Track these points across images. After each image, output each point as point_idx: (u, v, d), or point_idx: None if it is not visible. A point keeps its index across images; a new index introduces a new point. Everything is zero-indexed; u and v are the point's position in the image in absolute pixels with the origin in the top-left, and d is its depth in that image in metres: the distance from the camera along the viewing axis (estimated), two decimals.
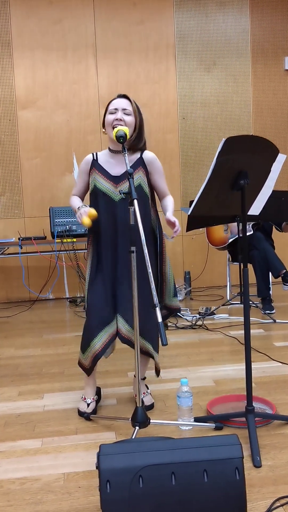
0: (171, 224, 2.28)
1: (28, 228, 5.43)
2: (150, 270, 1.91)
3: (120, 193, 2.12)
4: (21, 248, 4.88)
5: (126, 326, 2.31)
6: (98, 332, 2.32)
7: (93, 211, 2.29)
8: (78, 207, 2.36)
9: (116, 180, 2.35)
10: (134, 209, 2.00)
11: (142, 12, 5.48)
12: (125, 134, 2.22)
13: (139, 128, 2.38)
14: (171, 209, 2.40)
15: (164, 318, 2.49)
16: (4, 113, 5.36)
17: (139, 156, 2.40)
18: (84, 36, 5.42)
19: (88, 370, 2.41)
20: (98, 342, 2.32)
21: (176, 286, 5.08)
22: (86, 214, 2.28)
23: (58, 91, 5.44)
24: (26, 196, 5.45)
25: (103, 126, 2.40)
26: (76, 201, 2.48)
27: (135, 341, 2.09)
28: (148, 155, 2.41)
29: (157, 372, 2.45)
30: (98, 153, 2.44)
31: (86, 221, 2.27)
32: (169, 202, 2.44)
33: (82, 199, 2.53)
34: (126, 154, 2.16)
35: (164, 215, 2.36)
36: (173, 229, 2.27)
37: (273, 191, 2.27)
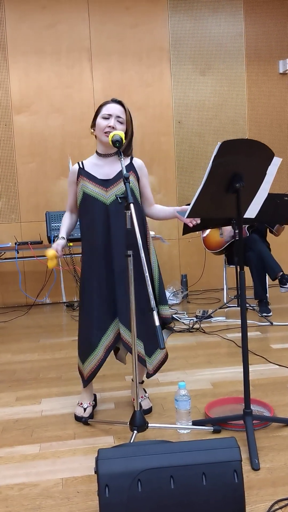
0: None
1: (24, 232, 5.43)
2: (147, 274, 1.91)
3: (116, 197, 2.12)
4: (18, 252, 4.87)
5: (128, 332, 2.31)
6: (92, 352, 2.32)
7: (50, 253, 2.33)
8: (57, 238, 2.43)
9: (105, 184, 2.34)
10: (131, 213, 2.00)
11: (136, 15, 5.50)
12: (121, 139, 2.22)
13: (130, 137, 2.38)
14: (170, 207, 2.45)
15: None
16: (0, 117, 5.37)
17: (129, 161, 2.39)
18: (78, 40, 5.43)
19: (85, 382, 2.41)
20: (92, 361, 2.33)
21: (174, 289, 5.07)
22: (47, 254, 2.35)
23: (52, 95, 5.44)
24: (22, 201, 5.44)
25: (93, 127, 2.39)
26: (63, 225, 2.50)
27: (132, 345, 2.08)
28: (138, 161, 2.42)
29: (148, 375, 2.44)
30: (84, 161, 2.42)
31: (49, 263, 2.34)
32: (163, 206, 2.48)
33: (76, 212, 2.50)
34: (122, 159, 2.15)
35: (174, 214, 2.41)
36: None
37: (269, 194, 2.28)
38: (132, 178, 2.34)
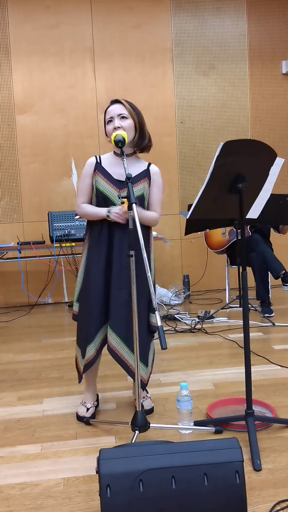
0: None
1: (26, 232, 5.43)
2: (149, 275, 1.91)
3: (119, 197, 2.12)
4: (20, 252, 4.88)
5: (115, 338, 2.30)
6: (92, 339, 2.33)
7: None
8: (108, 210, 2.27)
9: (119, 184, 2.33)
10: (133, 213, 2.00)
11: (139, 16, 5.50)
12: (123, 139, 2.22)
13: (139, 127, 2.36)
14: (143, 211, 2.33)
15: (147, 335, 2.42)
16: (3, 117, 5.37)
17: (146, 167, 2.39)
18: (81, 40, 5.44)
19: (80, 376, 2.43)
20: (92, 349, 2.33)
21: (176, 289, 5.07)
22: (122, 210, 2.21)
23: (55, 95, 5.45)
24: (24, 201, 5.45)
25: (106, 135, 2.40)
26: (94, 207, 2.35)
27: (134, 346, 2.08)
28: (154, 168, 2.41)
29: (142, 385, 2.37)
30: (102, 156, 2.41)
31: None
32: (148, 212, 2.39)
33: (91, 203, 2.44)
34: (124, 159, 2.15)
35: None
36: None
37: (271, 194, 2.27)
38: (144, 184, 2.35)
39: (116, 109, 2.33)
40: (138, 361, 2.09)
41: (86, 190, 2.39)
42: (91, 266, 2.37)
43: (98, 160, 2.38)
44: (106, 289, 2.34)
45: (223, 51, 5.69)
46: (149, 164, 2.42)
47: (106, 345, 2.35)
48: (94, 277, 2.35)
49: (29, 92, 5.40)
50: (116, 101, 2.36)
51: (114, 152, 2.41)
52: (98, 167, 2.36)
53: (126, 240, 2.21)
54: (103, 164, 2.37)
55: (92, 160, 2.39)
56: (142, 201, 2.35)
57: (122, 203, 2.02)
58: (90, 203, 2.40)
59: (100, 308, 2.33)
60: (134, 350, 2.07)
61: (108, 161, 2.39)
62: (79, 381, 2.48)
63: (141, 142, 2.38)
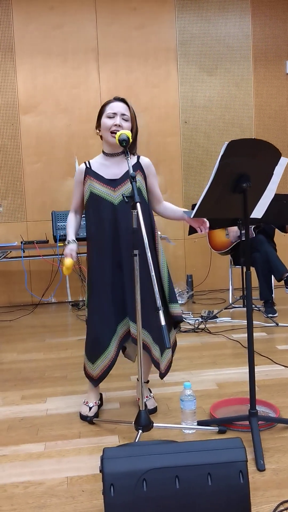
0: (198, 221, 2.31)
1: (30, 232, 5.44)
2: (153, 273, 1.91)
3: (123, 196, 2.12)
4: (24, 252, 4.89)
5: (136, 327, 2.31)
6: (103, 352, 2.32)
7: (67, 262, 2.36)
8: (68, 241, 2.42)
9: (112, 183, 2.33)
10: (137, 212, 2.00)
11: (143, 16, 5.50)
12: (128, 138, 2.21)
13: (135, 135, 2.37)
14: (181, 209, 2.44)
15: (169, 325, 2.46)
16: (7, 117, 5.38)
17: (136, 161, 2.39)
18: (84, 41, 5.44)
19: (96, 381, 2.41)
20: (103, 362, 2.33)
21: (179, 289, 5.07)
22: (63, 263, 2.36)
23: (59, 96, 5.45)
24: (28, 200, 5.46)
25: (98, 127, 2.39)
26: (69, 226, 2.49)
27: (138, 345, 2.09)
28: (145, 160, 2.41)
29: (161, 375, 2.43)
30: (91, 161, 2.41)
31: (65, 271, 2.35)
32: (172, 205, 2.47)
33: (81, 213, 2.50)
34: (129, 158, 2.15)
35: (183, 216, 2.39)
36: (202, 224, 2.31)
37: (275, 194, 2.27)
38: (139, 177, 2.34)
39: (121, 108, 2.33)
40: (141, 359, 2.09)
41: (76, 197, 2.47)
42: (95, 273, 2.38)
43: (88, 165, 2.39)
44: (117, 290, 2.34)
45: (227, 51, 5.68)
46: (138, 157, 2.41)
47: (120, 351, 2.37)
48: (102, 283, 2.35)
49: (33, 92, 5.41)
50: (121, 100, 2.36)
51: (103, 152, 2.40)
52: (89, 171, 2.37)
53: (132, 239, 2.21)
54: (93, 168, 2.38)
55: (82, 167, 2.41)
56: (140, 195, 2.32)
57: (127, 202, 2.02)
58: (81, 209, 2.49)
59: (114, 315, 2.33)
60: (138, 344, 2.08)
61: (98, 164, 2.39)
62: (95, 386, 2.46)
63: (132, 148, 2.38)
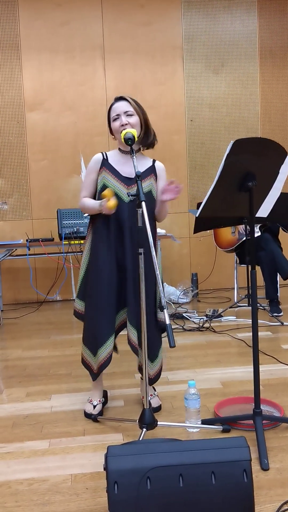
0: (170, 189, 2.28)
1: (35, 229, 5.45)
2: (158, 272, 1.91)
3: (128, 195, 2.12)
4: (29, 249, 4.90)
5: (135, 332, 2.31)
6: (105, 341, 2.32)
7: (109, 190, 2.21)
8: (100, 203, 2.27)
9: (127, 181, 2.34)
10: (142, 211, 2.01)
11: (150, 13, 5.49)
12: (133, 136, 2.22)
13: (145, 124, 2.37)
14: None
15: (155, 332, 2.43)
16: (13, 115, 5.39)
17: (151, 164, 2.41)
18: (91, 38, 5.44)
19: (96, 375, 2.42)
20: (104, 352, 2.33)
21: (184, 288, 5.06)
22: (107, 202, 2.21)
23: (65, 93, 5.46)
24: (33, 198, 5.47)
25: (111, 133, 2.40)
26: (91, 201, 2.37)
27: (142, 344, 2.09)
28: (159, 165, 2.44)
29: (150, 381, 2.40)
30: (108, 153, 2.41)
31: (113, 202, 2.18)
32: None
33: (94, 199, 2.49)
34: (134, 157, 2.15)
35: (160, 200, 2.36)
36: (173, 185, 2.28)
37: (281, 193, 2.26)
38: (151, 181, 2.37)
39: (122, 106, 2.33)
40: (146, 358, 2.09)
41: (89, 186, 2.41)
42: (96, 264, 2.37)
43: (105, 157, 2.39)
44: (118, 286, 2.34)
45: (233, 48, 5.67)
46: (154, 161, 2.44)
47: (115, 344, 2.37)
48: (104, 276, 2.34)
49: (39, 90, 5.42)
50: (120, 98, 2.37)
51: (120, 149, 2.41)
52: (106, 164, 2.37)
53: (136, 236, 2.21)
54: (110, 161, 2.38)
55: (98, 157, 2.39)
56: (150, 197, 2.35)
57: (131, 200, 2.03)
58: (94, 198, 2.42)
59: (113, 308, 2.34)
60: (142, 346, 2.08)
61: (115, 158, 2.39)
62: (94, 379, 2.46)
63: (147, 138, 2.39)
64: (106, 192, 2.20)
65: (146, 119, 2.38)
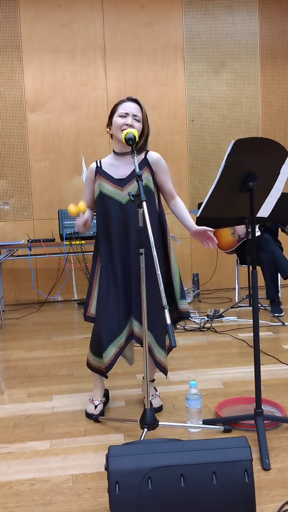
0: (204, 236, 2.34)
1: (37, 230, 5.46)
2: (159, 272, 1.91)
3: (129, 195, 2.12)
4: (30, 250, 4.90)
5: (140, 326, 2.32)
6: (108, 345, 2.31)
7: (82, 203, 2.32)
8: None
9: (121, 183, 2.35)
10: (143, 211, 2.01)
11: (151, 14, 5.50)
12: (135, 137, 2.22)
13: (146, 135, 2.38)
14: (190, 217, 2.43)
15: (175, 321, 2.48)
16: (14, 115, 5.39)
17: (143, 156, 2.39)
18: (92, 38, 5.44)
19: (104, 373, 2.39)
20: (107, 355, 2.31)
21: (185, 288, 5.07)
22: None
23: (66, 93, 5.46)
24: (35, 198, 5.47)
25: (109, 126, 2.39)
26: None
27: (143, 343, 2.09)
28: (152, 155, 2.40)
29: (165, 372, 2.41)
30: (102, 160, 2.44)
31: (72, 208, 2.29)
32: (183, 210, 2.45)
33: (92, 207, 2.50)
34: (135, 157, 2.15)
35: (188, 228, 2.42)
36: (208, 240, 2.35)
37: (282, 193, 2.26)
38: (146, 174, 2.34)
39: (134, 108, 2.33)
40: (146, 355, 2.09)
41: (87, 195, 2.48)
42: (105, 269, 2.37)
43: (99, 165, 2.41)
44: (124, 290, 2.34)
45: (234, 49, 5.67)
46: (147, 152, 2.40)
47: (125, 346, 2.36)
48: (110, 281, 2.35)
49: (41, 90, 5.42)
50: (135, 100, 2.36)
51: (114, 152, 2.41)
52: (99, 171, 2.39)
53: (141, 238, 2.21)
54: (104, 167, 2.40)
55: (92, 166, 2.44)
56: (149, 192, 2.33)
57: (132, 200, 2.03)
58: (93, 206, 2.48)
59: (119, 314, 2.33)
60: (144, 345, 2.08)
61: (108, 163, 2.41)
62: (106, 377, 2.44)
63: (141, 149, 2.39)
64: (80, 203, 2.32)
65: (148, 131, 2.39)
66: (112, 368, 2.33)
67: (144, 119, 2.35)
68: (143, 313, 2.08)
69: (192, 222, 2.41)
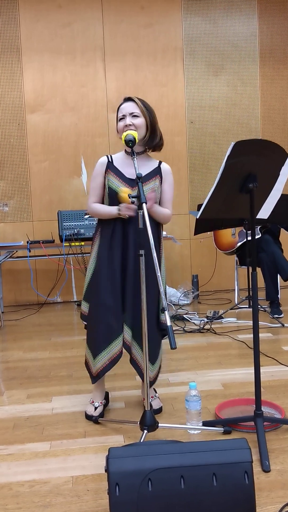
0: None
1: (36, 231, 5.46)
2: (159, 274, 1.91)
3: (129, 196, 2.12)
4: (30, 251, 4.90)
5: (129, 332, 2.33)
6: (103, 350, 2.31)
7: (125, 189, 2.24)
8: (118, 208, 2.27)
9: (131, 183, 2.33)
10: (143, 212, 2.01)
11: (150, 15, 5.50)
12: (134, 138, 2.22)
13: (151, 126, 2.36)
14: (158, 207, 2.35)
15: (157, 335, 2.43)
16: (13, 116, 5.40)
17: (157, 165, 2.40)
18: (92, 39, 5.45)
19: (94, 378, 2.40)
20: (103, 358, 2.31)
21: (184, 290, 5.06)
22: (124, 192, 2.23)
23: (66, 94, 5.47)
24: (34, 200, 5.47)
25: (118, 133, 2.40)
26: (106, 207, 2.37)
27: (143, 346, 2.09)
28: (166, 167, 2.42)
29: (150, 382, 2.36)
30: (113, 155, 2.42)
31: (124, 193, 2.19)
32: (163, 209, 2.40)
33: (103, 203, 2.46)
34: (135, 158, 2.15)
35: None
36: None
37: (282, 194, 2.27)
38: (157, 182, 2.36)
39: (129, 107, 2.33)
40: (146, 360, 2.09)
41: (97, 190, 2.41)
42: (102, 267, 2.36)
43: (110, 160, 2.39)
44: (120, 290, 2.34)
45: (234, 50, 5.67)
46: (160, 162, 2.43)
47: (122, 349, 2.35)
48: (106, 280, 2.34)
49: (40, 91, 5.43)
50: (129, 99, 2.36)
51: (125, 151, 2.42)
52: (110, 166, 2.38)
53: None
54: (115, 163, 2.38)
55: (103, 160, 2.40)
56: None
57: (132, 202, 2.03)
58: (102, 202, 2.42)
59: (116, 315, 2.32)
60: (143, 349, 2.08)
61: (120, 160, 2.40)
62: (93, 382, 2.45)
63: (152, 140, 2.38)
64: (123, 194, 2.21)
65: (153, 121, 2.37)
66: (103, 375, 2.33)
67: (143, 112, 2.33)
68: (143, 314, 2.07)
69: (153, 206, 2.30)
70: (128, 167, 2.36)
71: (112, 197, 2.35)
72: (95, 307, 2.39)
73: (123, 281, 2.34)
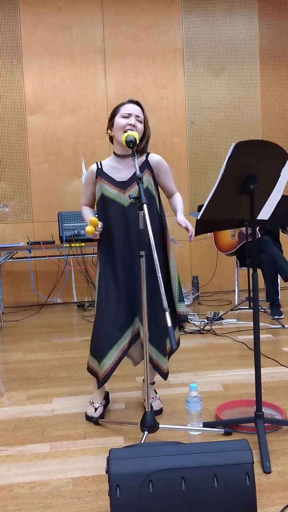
0: (185, 229, 2.31)
1: (36, 232, 5.46)
2: (159, 274, 1.91)
3: (130, 198, 2.12)
4: (30, 252, 4.90)
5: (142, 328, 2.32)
6: (108, 351, 2.30)
7: (93, 218, 2.30)
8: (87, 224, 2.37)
9: (123, 185, 2.34)
10: (144, 213, 2.01)
11: (150, 17, 5.51)
12: (135, 139, 2.22)
13: (148, 137, 2.39)
14: (180, 209, 2.41)
15: (173, 324, 2.46)
16: (14, 118, 5.40)
17: (145, 159, 2.39)
18: (92, 42, 5.45)
19: (101, 383, 2.37)
20: (108, 361, 2.30)
21: (184, 291, 5.07)
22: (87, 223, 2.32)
23: (66, 96, 5.47)
24: (34, 201, 5.47)
25: (110, 128, 2.39)
26: (87, 212, 2.50)
27: (144, 346, 2.09)
28: (154, 157, 2.41)
29: (164, 376, 2.40)
30: (102, 162, 2.43)
31: (89, 229, 2.28)
32: (178, 201, 2.45)
33: (92, 207, 2.53)
34: (135, 160, 2.15)
35: (175, 217, 2.37)
36: (188, 233, 2.31)
37: (282, 196, 2.27)
38: (147, 177, 2.34)
39: (136, 110, 2.34)
40: (147, 359, 2.09)
41: (87, 194, 2.50)
42: (107, 273, 2.37)
43: (99, 166, 2.41)
44: (127, 293, 2.33)
45: (234, 52, 5.68)
46: (148, 154, 2.41)
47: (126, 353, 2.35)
48: (109, 287, 2.34)
49: (40, 93, 5.43)
50: (136, 102, 2.36)
51: (115, 153, 2.41)
52: (100, 173, 2.39)
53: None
54: (105, 169, 2.40)
55: (93, 168, 2.43)
56: (149, 195, 2.33)
57: (133, 202, 2.03)
58: (92, 206, 2.51)
59: (120, 319, 2.32)
60: (144, 347, 2.08)
61: (109, 165, 2.41)
62: (99, 387, 2.43)
63: (144, 149, 2.40)
64: (92, 219, 2.29)
65: (149, 134, 2.40)
66: (110, 378, 2.32)
67: (145, 121, 2.36)
68: (143, 315, 2.07)
69: (179, 212, 2.40)
70: (118, 172, 2.37)
71: (105, 202, 2.37)
72: (99, 317, 2.38)
73: (130, 283, 2.33)
